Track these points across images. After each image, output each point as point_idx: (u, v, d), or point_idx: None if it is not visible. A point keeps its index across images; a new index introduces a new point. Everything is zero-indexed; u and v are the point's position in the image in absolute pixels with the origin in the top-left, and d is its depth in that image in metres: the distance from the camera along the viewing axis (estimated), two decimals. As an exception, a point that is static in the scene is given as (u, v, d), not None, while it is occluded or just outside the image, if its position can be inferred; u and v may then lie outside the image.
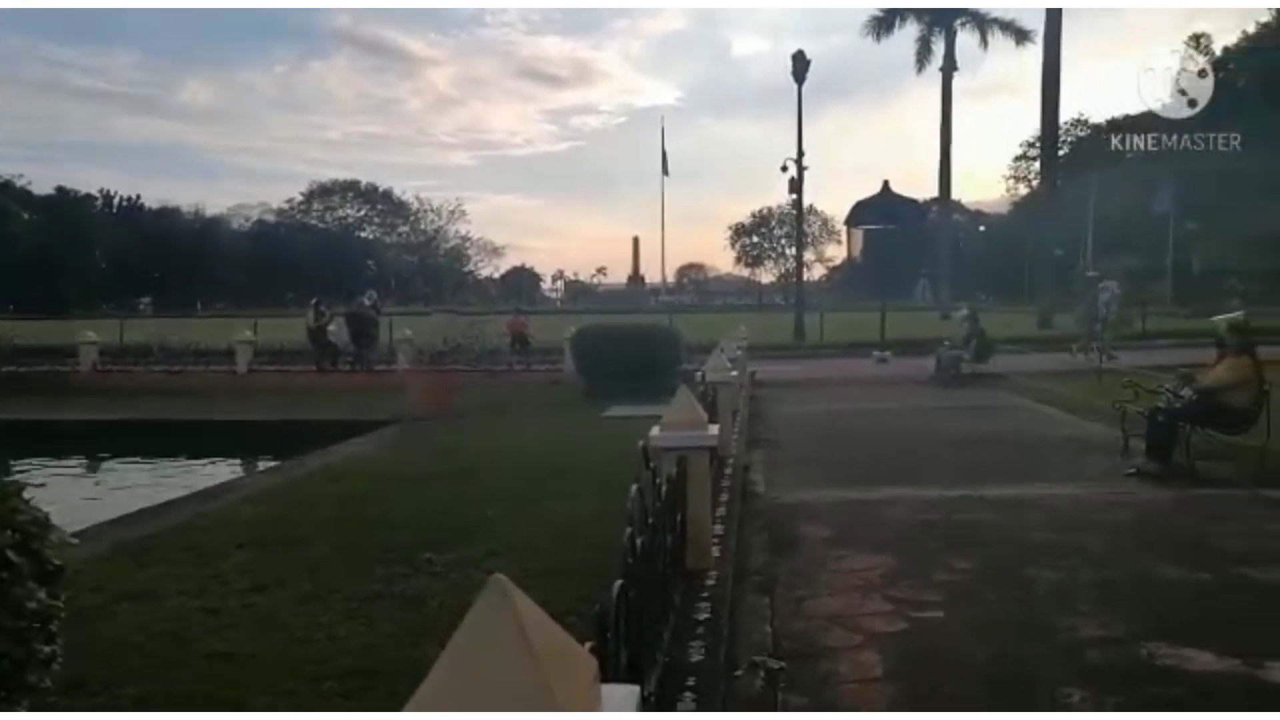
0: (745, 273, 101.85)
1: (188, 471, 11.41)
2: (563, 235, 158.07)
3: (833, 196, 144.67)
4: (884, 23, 47.16)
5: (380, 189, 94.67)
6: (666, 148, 60.38)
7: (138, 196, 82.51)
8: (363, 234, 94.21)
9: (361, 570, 5.23)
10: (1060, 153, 48.49)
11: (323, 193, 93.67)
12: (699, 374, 9.18)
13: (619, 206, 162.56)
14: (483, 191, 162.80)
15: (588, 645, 1.81)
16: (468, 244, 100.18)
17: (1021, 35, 44.71)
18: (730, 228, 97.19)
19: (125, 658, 3.96)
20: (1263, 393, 7.50)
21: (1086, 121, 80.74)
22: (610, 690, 1.60)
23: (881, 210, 24.13)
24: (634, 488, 3.19)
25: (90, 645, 3.87)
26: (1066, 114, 61.72)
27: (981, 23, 46.35)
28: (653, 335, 15.75)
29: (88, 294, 66.52)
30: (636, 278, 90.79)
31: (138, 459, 12.54)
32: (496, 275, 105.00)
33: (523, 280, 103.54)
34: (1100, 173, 55.95)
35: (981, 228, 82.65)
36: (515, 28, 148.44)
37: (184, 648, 4.10)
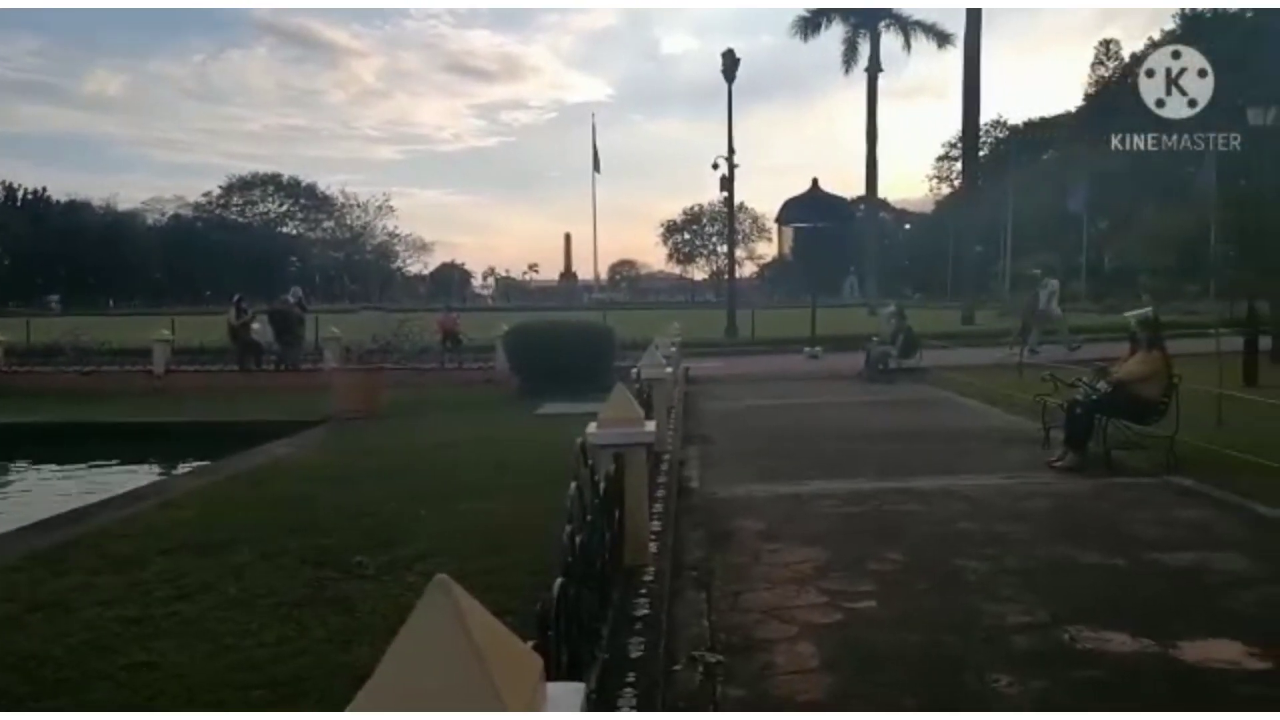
0: (677, 270, 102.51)
1: (103, 477, 10.96)
2: (494, 232, 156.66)
3: (763, 194, 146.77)
4: (811, 23, 48.00)
5: (303, 183, 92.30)
6: (598, 144, 60.14)
7: (44, 190, 78.79)
8: (285, 229, 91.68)
9: (290, 574, 5.10)
10: (980, 153, 49.93)
11: (242, 186, 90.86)
12: (634, 371, 9.20)
13: (551, 203, 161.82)
14: (411, 186, 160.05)
15: (530, 644, 1.79)
16: (396, 240, 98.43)
17: (943, 38, 46.03)
18: (662, 225, 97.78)
19: (41, 670, 3.79)
20: (1171, 385, 7.84)
21: (1005, 123, 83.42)
22: (555, 689, 1.59)
23: (811, 208, 24.44)
24: (572, 485, 3.17)
25: (1, 658, 3.69)
26: (986, 115, 63.69)
27: (904, 25, 47.54)
28: (586, 332, 15.73)
29: (-11, 291, 63.40)
30: (569, 274, 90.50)
31: (49, 464, 11.99)
32: (426, 272, 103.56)
33: (453, 277, 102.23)
34: (1018, 173, 57.80)
35: (907, 226, 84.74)
36: (442, 20, 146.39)
37: (104, 658, 3.94)
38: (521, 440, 9.59)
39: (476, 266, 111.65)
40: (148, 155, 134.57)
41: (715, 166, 29.48)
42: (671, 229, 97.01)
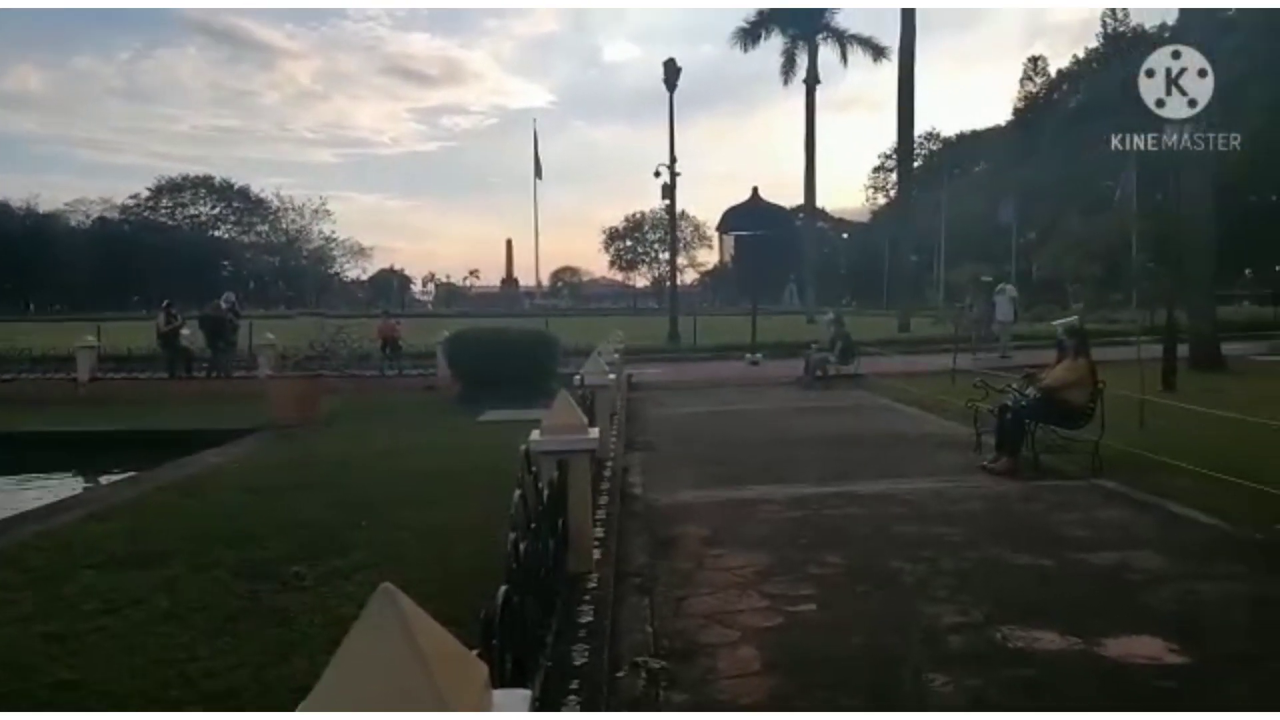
0: (619, 276, 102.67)
1: (22, 488, 10.52)
2: (434, 237, 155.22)
3: (704, 202, 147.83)
4: (750, 34, 48.60)
5: (236, 185, 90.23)
6: (539, 150, 59.80)
7: (-42, 189, 75.59)
8: (217, 233, 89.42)
9: (225, 587, 4.97)
10: (915, 164, 51.13)
11: (172, 189, 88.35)
12: (577, 378, 9.20)
13: (492, 208, 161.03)
14: (348, 190, 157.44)
15: (475, 652, 1.79)
16: (333, 245, 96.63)
17: (878, 51, 47.01)
18: (604, 231, 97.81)
19: (-45, 692, 3.63)
20: (1096, 391, 8.14)
21: (939, 135, 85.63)
22: (501, 695, 1.59)
23: (751, 217, 24.74)
24: (516, 493, 3.17)
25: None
26: (920, 128, 65.33)
27: (841, 38, 48.40)
28: (529, 339, 15.64)
29: (-100, 295, 60.44)
30: (510, 281, 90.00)
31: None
32: (364, 277, 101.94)
33: (392, 283, 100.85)
34: (951, 184, 59.24)
35: (845, 235, 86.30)
36: (380, 22, 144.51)
37: (25, 678, 3.79)
38: (464, 448, 9.51)
39: (416, 272, 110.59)
40: (71, 155, 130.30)
41: (657, 174, 29.68)
42: (613, 236, 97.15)
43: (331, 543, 5.79)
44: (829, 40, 48.54)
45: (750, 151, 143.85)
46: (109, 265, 73.06)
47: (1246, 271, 34.45)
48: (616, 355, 14.91)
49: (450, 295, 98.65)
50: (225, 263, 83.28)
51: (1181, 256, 18.51)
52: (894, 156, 52.09)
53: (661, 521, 6.65)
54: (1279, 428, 8.17)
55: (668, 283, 40.33)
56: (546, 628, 3.72)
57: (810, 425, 11.73)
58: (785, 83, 49.99)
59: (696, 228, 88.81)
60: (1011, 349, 20.30)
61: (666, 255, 56.46)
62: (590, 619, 4.15)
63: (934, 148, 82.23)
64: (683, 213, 78.03)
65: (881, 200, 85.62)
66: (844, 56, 48.59)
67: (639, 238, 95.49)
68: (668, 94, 28.17)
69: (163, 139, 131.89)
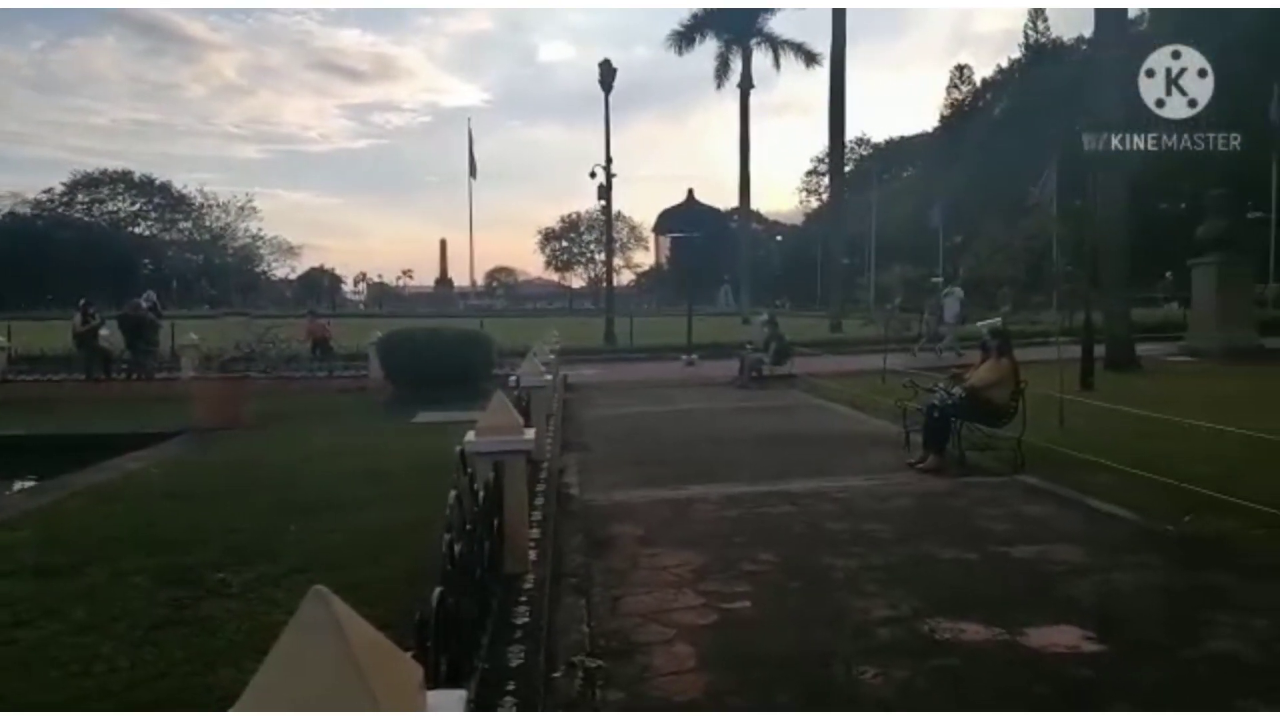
0: (555, 277, 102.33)
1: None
2: (365, 236, 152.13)
3: (641, 203, 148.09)
4: (685, 38, 48.97)
5: (157, 181, 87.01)
6: (474, 149, 59.24)
7: None
8: (137, 230, 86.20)
9: (147, 595, 4.81)
10: (846, 169, 52.08)
11: (89, 183, 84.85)
12: (513, 378, 9.14)
13: (425, 207, 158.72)
14: (276, 188, 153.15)
15: (409, 654, 1.78)
16: (259, 243, 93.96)
17: (810, 58, 47.77)
18: (540, 232, 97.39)
19: None
20: (1019, 390, 8.42)
21: (869, 141, 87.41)
22: (436, 696, 1.58)
23: (687, 218, 24.94)
24: (452, 494, 3.14)
25: None
26: (851, 133, 66.59)
27: (775, 44, 49.07)
28: (463, 339, 15.48)
29: None
30: (445, 281, 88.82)
31: None
32: (293, 276, 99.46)
33: (322, 282, 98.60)
34: (881, 188, 60.56)
35: (779, 237, 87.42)
36: (310, 16, 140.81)
37: (-71, 695, 3.62)
38: (397, 450, 9.36)
39: (347, 271, 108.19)
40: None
41: (593, 175, 29.66)
42: (549, 236, 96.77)
43: (259, 548, 5.64)
44: (763, 45, 49.20)
45: (686, 154, 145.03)
46: (19, 262, 69.68)
47: (1167, 274, 35.93)
48: (552, 356, 14.87)
49: (383, 295, 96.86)
50: (146, 261, 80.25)
51: (1097, 259, 19.22)
52: (826, 160, 52.91)
53: (598, 521, 6.65)
54: (1188, 425, 8.59)
55: (604, 283, 40.38)
56: (482, 629, 3.70)
57: (745, 425, 11.87)
58: (719, 86, 50.57)
59: (633, 229, 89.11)
60: (962, 348, 20.81)
61: (603, 256, 56.57)
62: (526, 620, 4.13)
63: (865, 153, 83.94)
64: (619, 214, 78.22)
65: (814, 203, 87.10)
66: (777, 62, 49.34)
67: (575, 238, 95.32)
68: (604, 95, 28.20)
69: (78, 132, 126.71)
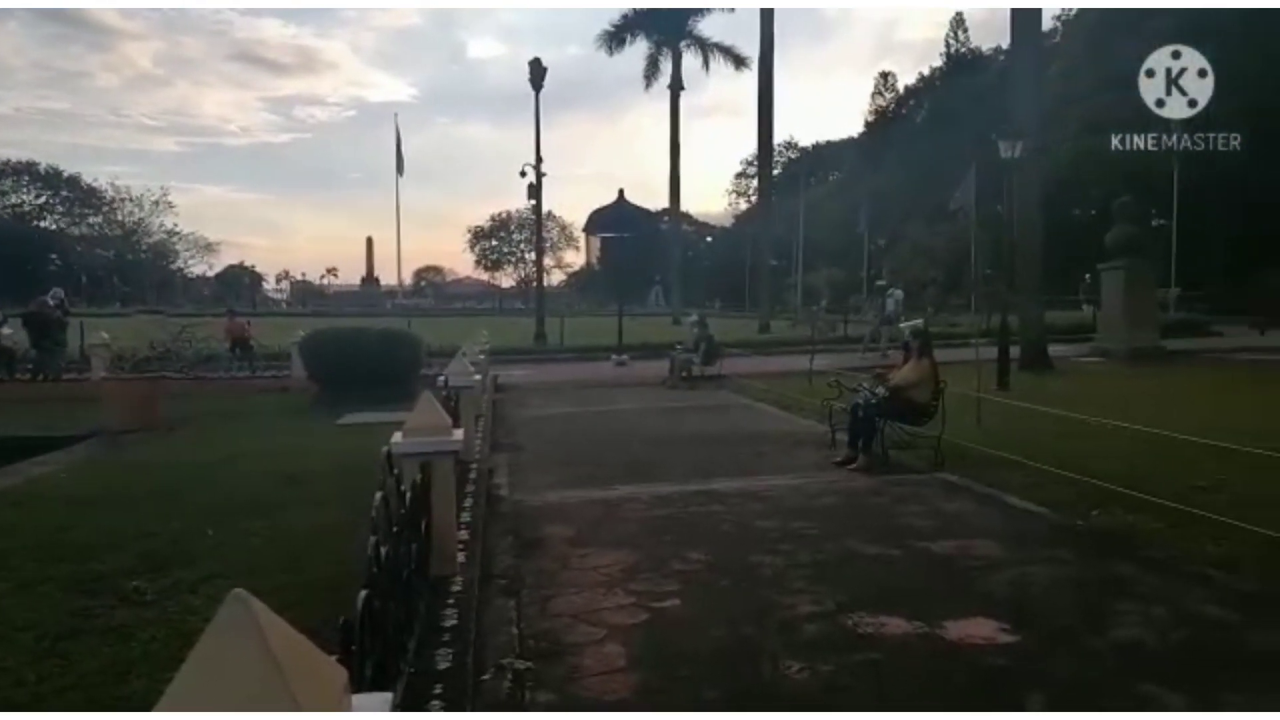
0: (485, 276, 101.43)
1: None
2: (288, 233, 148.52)
3: (571, 203, 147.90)
4: (615, 38, 49.07)
5: (65, 173, 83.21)
6: (402, 146, 58.23)
7: None
8: (43, 224, 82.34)
9: (54, 604, 4.61)
10: (774, 172, 52.88)
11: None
12: (441, 378, 9.03)
13: (351, 205, 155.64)
14: (193, 182, 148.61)
15: (334, 658, 1.75)
16: (175, 239, 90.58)
17: (739, 61, 48.34)
18: (469, 230, 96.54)
19: None
20: (939, 390, 8.67)
21: (796, 144, 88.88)
22: (362, 699, 1.56)
23: (617, 219, 24.97)
24: (378, 495, 3.10)
25: None
26: (779, 136, 67.58)
27: (704, 46, 49.50)
28: (390, 339, 15.20)
29: None
30: (371, 279, 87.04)
31: None
32: (211, 274, 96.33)
33: (242, 280, 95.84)
34: (808, 192, 61.57)
35: (709, 238, 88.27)
36: (230, 6, 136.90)
37: None
38: (321, 451, 9.16)
39: (269, 269, 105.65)
40: None
41: (523, 174, 29.46)
42: (479, 235, 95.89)
43: (175, 554, 5.46)
44: (693, 48, 49.57)
45: (617, 154, 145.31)
46: (-86, 257, 66.08)
47: (1087, 277, 37.44)
48: (482, 356, 14.75)
49: (306, 294, 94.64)
50: (53, 256, 76.71)
51: (1013, 263, 19.90)
52: (755, 163, 53.65)
53: (527, 522, 6.62)
54: (1096, 423, 8.97)
55: (534, 283, 40.15)
56: (409, 632, 3.65)
57: (675, 425, 11.95)
58: (648, 87, 50.82)
59: (564, 228, 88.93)
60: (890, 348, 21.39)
61: (533, 255, 56.19)
62: (455, 622, 4.09)
63: (792, 156, 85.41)
64: (550, 213, 78.03)
65: (744, 205, 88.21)
66: (706, 64, 49.77)
67: (505, 237, 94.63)
68: (534, 94, 28.06)
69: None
